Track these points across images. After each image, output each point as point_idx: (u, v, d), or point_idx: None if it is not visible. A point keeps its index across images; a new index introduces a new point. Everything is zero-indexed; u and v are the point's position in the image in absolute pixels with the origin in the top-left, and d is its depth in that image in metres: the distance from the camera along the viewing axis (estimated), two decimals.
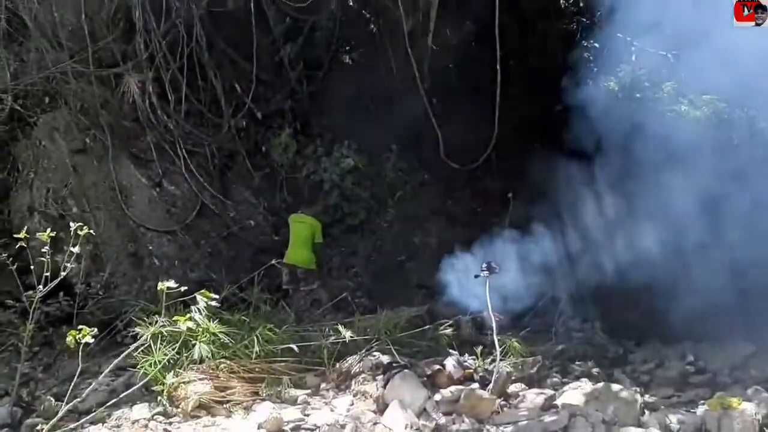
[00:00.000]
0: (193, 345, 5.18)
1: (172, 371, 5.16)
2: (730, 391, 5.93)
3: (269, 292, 7.05)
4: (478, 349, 5.97)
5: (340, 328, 5.75)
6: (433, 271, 9.11)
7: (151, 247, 8.74)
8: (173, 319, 4.89)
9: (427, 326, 6.51)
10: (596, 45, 15.67)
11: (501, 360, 5.84)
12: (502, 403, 5.18)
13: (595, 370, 6.21)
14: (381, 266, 10.21)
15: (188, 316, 4.71)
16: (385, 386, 5.18)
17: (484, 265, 6.03)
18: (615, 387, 5.23)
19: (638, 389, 5.77)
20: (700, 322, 8.28)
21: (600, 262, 9.14)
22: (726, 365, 6.69)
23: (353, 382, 5.52)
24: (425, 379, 5.39)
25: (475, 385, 5.43)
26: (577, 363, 6.54)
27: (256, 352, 5.41)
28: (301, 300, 8.30)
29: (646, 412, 5.04)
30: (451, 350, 6.16)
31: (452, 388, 5.30)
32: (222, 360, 5.41)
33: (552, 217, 8.86)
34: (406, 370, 5.22)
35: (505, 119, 9.84)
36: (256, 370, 5.49)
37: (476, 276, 6.15)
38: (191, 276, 8.76)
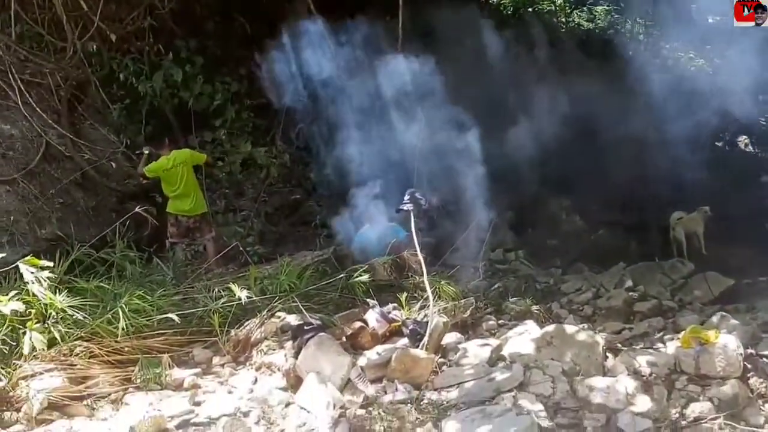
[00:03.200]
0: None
1: (4, 367, 3.80)
2: (680, 317, 5.38)
3: (138, 248, 5.69)
4: (403, 296, 4.99)
5: (233, 286, 4.55)
6: (336, 208, 8.07)
7: None
8: None
9: (339, 274, 5.42)
10: None
11: (429, 305, 4.93)
12: (441, 360, 4.24)
13: (535, 308, 5.40)
14: (273, 207, 9.00)
15: (11, 295, 3.36)
16: (296, 356, 4.10)
17: (407, 197, 4.98)
18: (569, 328, 4.41)
19: (586, 326, 5.06)
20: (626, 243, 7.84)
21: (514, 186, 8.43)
22: (665, 287, 6.14)
23: (255, 353, 4.40)
24: (344, 340, 4.35)
25: (405, 341, 4.48)
26: (510, 300, 5.72)
27: (123, 328, 4.13)
28: (180, 254, 7.01)
29: (609, 355, 4.27)
30: (369, 300, 5.13)
31: (379, 348, 4.31)
32: (77, 342, 4.09)
33: None
34: (321, 333, 4.15)
35: None
36: (126, 350, 4.23)
37: (398, 210, 5.10)
38: (41, 233, 7.19)
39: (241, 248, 6.27)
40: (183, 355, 4.47)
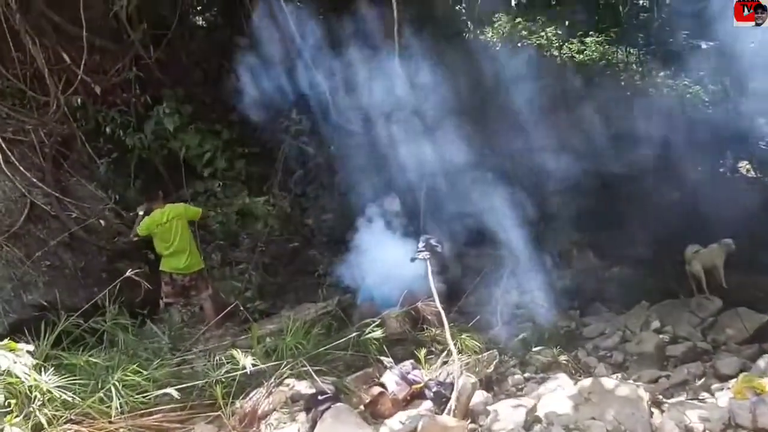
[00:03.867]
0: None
1: None
2: (717, 360, 5.00)
3: (131, 312, 5.27)
4: (421, 352, 4.60)
5: (235, 352, 4.14)
6: (338, 255, 7.73)
7: None
8: None
9: (348, 330, 5.02)
10: None
11: (453, 363, 4.55)
12: (471, 426, 3.84)
13: (563, 358, 5.01)
14: (271, 257, 8.62)
15: None
16: (311, 430, 3.68)
17: (422, 244, 4.59)
18: (607, 382, 4.04)
19: (619, 376, 4.68)
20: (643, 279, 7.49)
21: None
22: (694, 326, 5.76)
23: (263, 427, 3.98)
24: (363, 408, 3.95)
25: (428, 405, 4.07)
26: (533, 349, 5.33)
27: (117, 407, 3.70)
28: (176, 315, 6.58)
29: (653, 410, 3.88)
30: (383, 357, 4.73)
31: (401, 415, 3.90)
32: (66, 426, 3.66)
33: None
34: (338, 404, 3.74)
35: None
36: (121, 431, 3.79)
37: (413, 259, 4.71)
38: (28, 299, 6.77)
39: (240, 307, 5.83)
40: (183, 431, 4.04)
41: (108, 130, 8.60)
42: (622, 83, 13.59)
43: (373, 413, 3.95)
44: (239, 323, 6.63)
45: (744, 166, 12.94)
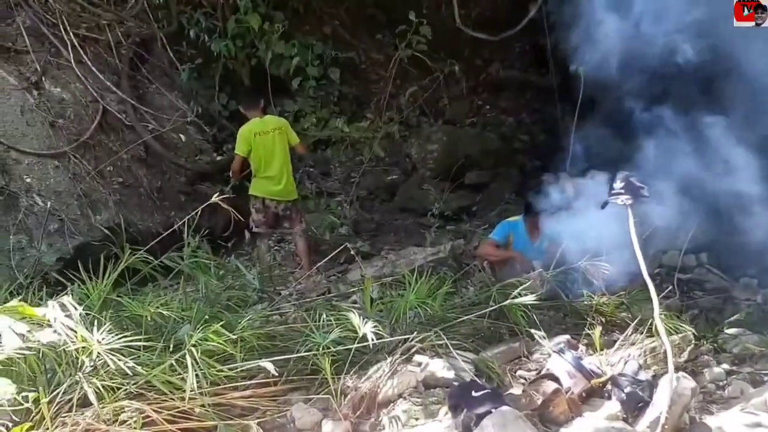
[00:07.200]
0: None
1: None
2: None
3: (211, 244, 4.28)
4: (595, 331, 3.40)
5: (354, 317, 3.03)
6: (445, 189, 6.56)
7: (28, 180, 5.79)
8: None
9: (487, 290, 3.87)
10: None
11: (632, 345, 3.36)
12: None
13: None
14: (367, 190, 7.54)
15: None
16: None
17: (620, 183, 3.29)
18: None
19: None
20: None
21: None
22: None
23: (386, 420, 2.89)
24: (531, 412, 2.80)
25: (614, 409, 2.89)
26: (727, 331, 4.05)
27: (192, 383, 2.68)
28: (266, 250, 5.58)
29: None
30: (534, 331, 3.54)
31: (582, 425, 2.74)
32: (125, 403, 2.67)
33: None
34: (504, 407, 2.60)
35: None
36: (196, 411, 2.79)
37: (605, 204, 3.44)
38: (96, 219, 5.92)
39: (349, 248, 4.71)
40: (278, 415, 3.00)
41: (192, 33, 7.64)
42: None
43: (543, 417, 2.80)
44: (333, 264, 5.61)
45: None
